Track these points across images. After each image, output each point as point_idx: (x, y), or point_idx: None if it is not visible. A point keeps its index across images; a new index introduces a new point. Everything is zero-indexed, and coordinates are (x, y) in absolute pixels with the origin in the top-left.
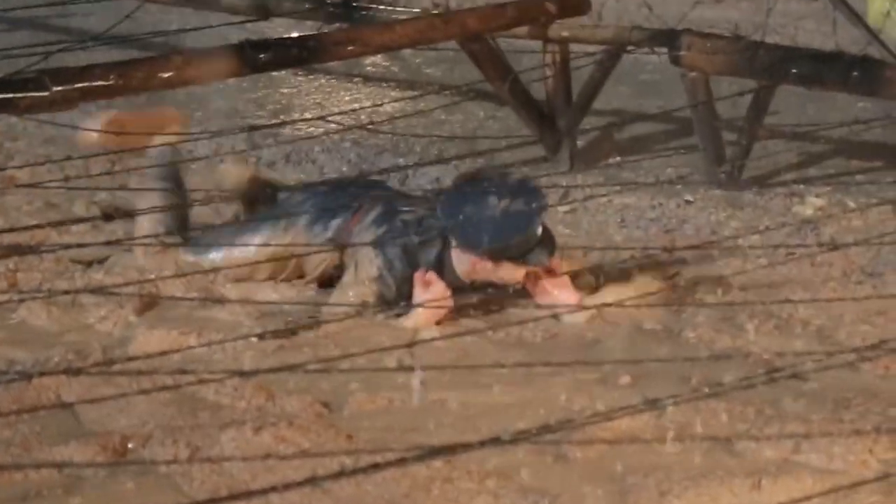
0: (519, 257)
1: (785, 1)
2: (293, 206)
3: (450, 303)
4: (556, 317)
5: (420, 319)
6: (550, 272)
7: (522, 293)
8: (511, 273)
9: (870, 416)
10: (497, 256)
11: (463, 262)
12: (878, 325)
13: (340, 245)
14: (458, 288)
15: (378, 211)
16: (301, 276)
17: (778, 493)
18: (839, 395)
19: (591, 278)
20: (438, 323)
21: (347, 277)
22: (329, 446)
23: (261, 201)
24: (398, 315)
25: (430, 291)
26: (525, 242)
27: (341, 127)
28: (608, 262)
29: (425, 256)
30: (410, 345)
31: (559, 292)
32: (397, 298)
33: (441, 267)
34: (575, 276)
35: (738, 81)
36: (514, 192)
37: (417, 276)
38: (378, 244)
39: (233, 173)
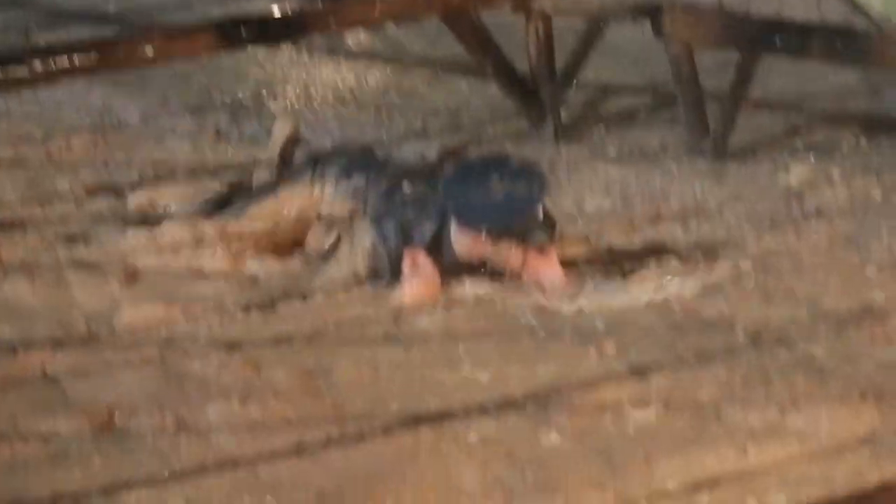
0: (519, 238)
1: None
2: (323, 164)
3: (437, 282)
4: (541, 291)
5: (409, 295)
6: (541, 251)
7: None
8: (510, 254)
9: (855, 383)
10: (497, 237)
11: (462, 241)
12: (863, 293)
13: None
14: (454, 266)
15: (383, 187)
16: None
17: (764, 459)
18: (825, 362)
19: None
20: (426, 300)
21: (343, 249)
22: (315, 417)
23: (294, 159)
24: (388, 289)
25: (419, 269)
26: (526, 224)
27: (323, 102)
28: (592, 234)
29: (421, 233)
30: (396, 315)
31: (546, 270)
32: (390, 273)
33: (438, 245)
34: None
35: (722, 53)
36: (516, 175)
37: (407, 253)
38: (375, 218)
39: (279, 129)
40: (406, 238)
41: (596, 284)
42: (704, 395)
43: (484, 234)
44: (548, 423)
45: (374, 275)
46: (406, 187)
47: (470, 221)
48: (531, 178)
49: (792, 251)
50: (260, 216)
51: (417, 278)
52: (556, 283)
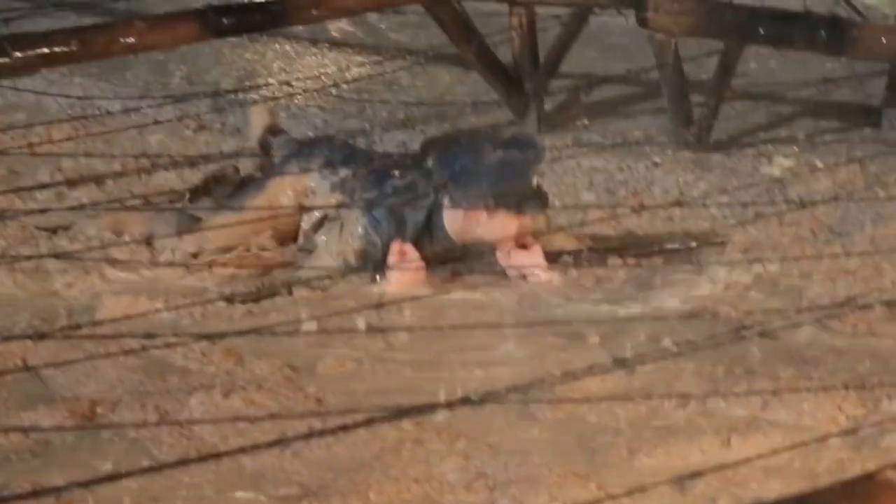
0: (514, 206)
1: None
2: (306, 154)
3: (423, 273)
4: (524, 278)
5: (396, 284)
6: (522, 240)
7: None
8: (505, 225)
9: (838, 374)
10: (492, 206)
11: (455, 219)
12: (846, 284)
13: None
14: (446, 251)
15: (372, 175)
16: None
17: (747, 450)
18: (808, 353)
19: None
20: (411, 290)
21: (331, 236)
22: (298, 409)
23: (274, 149)
24: (375, 277)
25: (405, 260)
26: (522, 188)
27: (306, 92)
28: (575, 225)
29: (413, 219)
30: (379, 307)
31: (527, 257)
32: (381, 260)
33: (430, 230)
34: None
35: (706, 42)
36: (509, 143)
37: (394, 245)
38: (367, 205)
39: (256, 119)
40: (398, 224)
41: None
42: (688, 387)
43: (477, 203)
44: (531, 414)
45: (365, 261)
46: (396, 174)
47: (465, 189)
48: (525, 145)
49: (775, 241)
50: (254, 210)
51: (403, 269)
52: (539, 275)
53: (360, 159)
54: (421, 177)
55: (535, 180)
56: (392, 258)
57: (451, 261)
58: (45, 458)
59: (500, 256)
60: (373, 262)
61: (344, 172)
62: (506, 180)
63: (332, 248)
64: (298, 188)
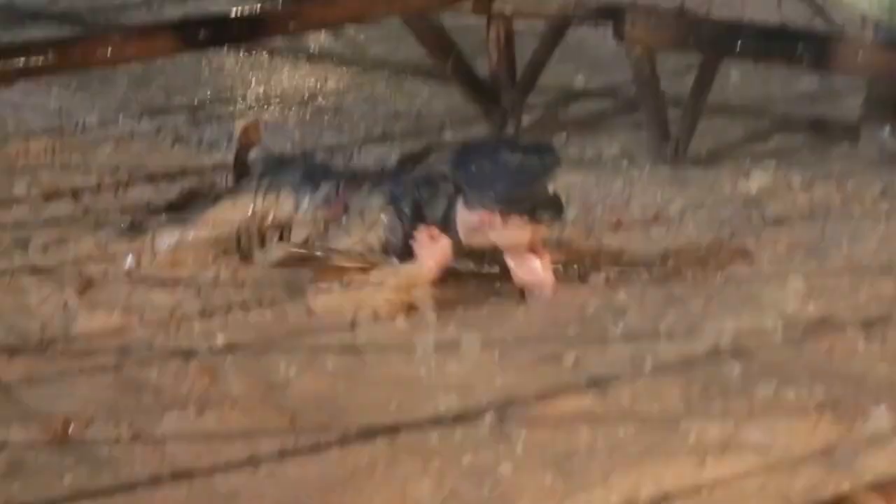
0: (529, 212)
1: None
2: (278, 173)
3: (451, 259)
4: (522, 295)
5: (422, 271)
6: (533, 250)
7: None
8: (518, 231)
9: (813, 394)
10: (507, 210)
11: (470, 219)
12: (822, 303)
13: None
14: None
15: (371, 182)
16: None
17: (722, 471)
18: (783, 373)
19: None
20: (435, 280)
21: (353, 223)
22: (272, 428)
23: (251, 163)
24: (401, 261)
25: (435, 245)
26: (535, 198)
27: (284, 105)
28: (552, 242)
29: (432, 213)
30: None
31: (536, 268)
32: (402, 250)
33: (446, 227)
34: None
35: (684, 57)
36: (527, 149)
37: (422, 230)
38: (390, 195)
39: (244, 132)
40: (419, 217)
41: None
42: (663, 407)
43: (491, 206)
44: (505, 434)
45: (387, 247)
46: (418, 170)
47: (481, 190)
48: (543, 151)
49: (751, 258)
50: (203, 226)
51: (434, 249)
52: (545, 289)
53: (337, 175)
54: (437, 173)
55: (551, 187)
56: (421, 239)
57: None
58: (18, 475)
59: (511, 263)
60: (394, 249)
61: (327, 188)
62: (522, 179)
63: (354, 232)
64: (250, 210)
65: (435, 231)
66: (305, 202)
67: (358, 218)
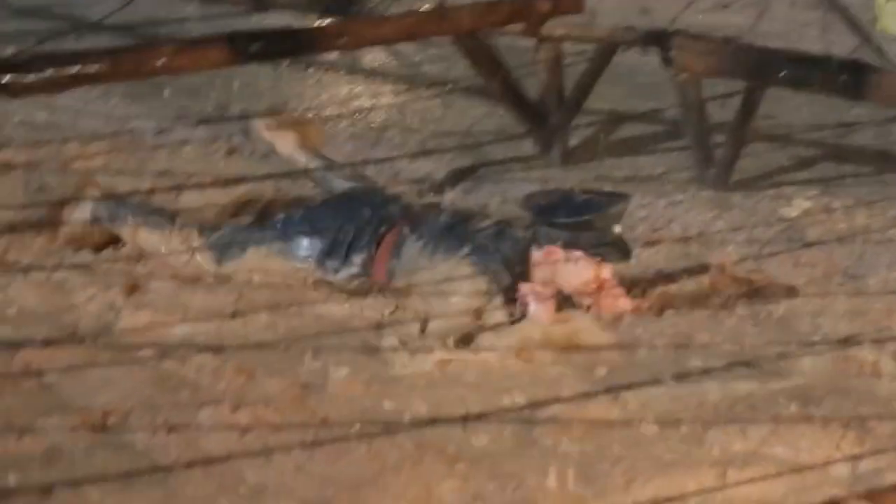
0: (593, 249)
1: (789, 8)
2: (295, 232)
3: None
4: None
5: (542, 317)
6: (603, 285)
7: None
8: (582, 268)
9: (839, 413)
10: (572, 248)
11: (535, 254)
12: (856, 325)
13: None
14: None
15: (420, 233)
16: None
17: (743, 484)
18: (811, 391)
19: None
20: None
21: (455, 287)
22: (303, 424)
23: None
24: (513, 322)
25: (545, 300)
26: (604, 232)
27: (338, 119)
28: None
29: (513, 251)
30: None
31: (616, 301)
32: (510, 286)
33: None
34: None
35: (730, 83)
36: (599, 192)
37: (524, 287)
38: (477, 258)
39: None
40: (511, 271)
41: None
42: (689, 418)
43: (557, 243)
44: (531, 439)
45: (500, 287)
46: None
47: (546, 227)
48: (615, 194)
49: (788, 281)
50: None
51: (546, 306)
52: (623, 315)
53: (372, 231)
54: (507, 225)
55: (617, 229)
56: (529, 291)
57: None
58: (56, 465)
59: (587, 278)
60: (503, 288)
61: (358, 259)
62: (582, 214)
63: (466, 292)
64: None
65: (538, 286)
66: (338, 270)
67: (456, 284)
